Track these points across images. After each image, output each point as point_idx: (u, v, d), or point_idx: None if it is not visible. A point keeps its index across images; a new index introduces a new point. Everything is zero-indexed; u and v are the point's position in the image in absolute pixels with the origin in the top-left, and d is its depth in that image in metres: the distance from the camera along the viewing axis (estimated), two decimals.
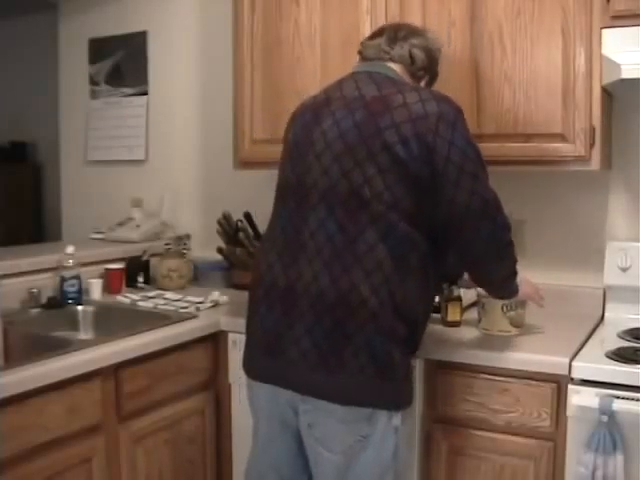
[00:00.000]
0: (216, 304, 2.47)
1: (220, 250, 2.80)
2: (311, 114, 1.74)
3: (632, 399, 1.71)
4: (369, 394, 1.60)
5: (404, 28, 1.86)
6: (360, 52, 1.86)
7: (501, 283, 1.88)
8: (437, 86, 2.21)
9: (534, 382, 1.88)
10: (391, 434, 1.65)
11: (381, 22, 2.28)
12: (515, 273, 1.86)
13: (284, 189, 1.76)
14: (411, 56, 1.79)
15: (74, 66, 3.36)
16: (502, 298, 1.98)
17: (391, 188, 1.59)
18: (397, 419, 1.65)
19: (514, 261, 1.84)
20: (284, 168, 1.78)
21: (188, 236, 2.94)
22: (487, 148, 2.18)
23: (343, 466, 1.64)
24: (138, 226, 2.98)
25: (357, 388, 1.59)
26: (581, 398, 1.76)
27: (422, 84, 1.85)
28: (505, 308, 2.07)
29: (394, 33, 1.82)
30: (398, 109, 1.61)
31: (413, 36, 1.82)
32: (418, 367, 2.01)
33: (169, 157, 3.14)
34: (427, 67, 1.84)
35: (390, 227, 1.60)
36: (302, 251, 1.64)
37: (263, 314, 1.71)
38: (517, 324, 2.09)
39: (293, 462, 1.76)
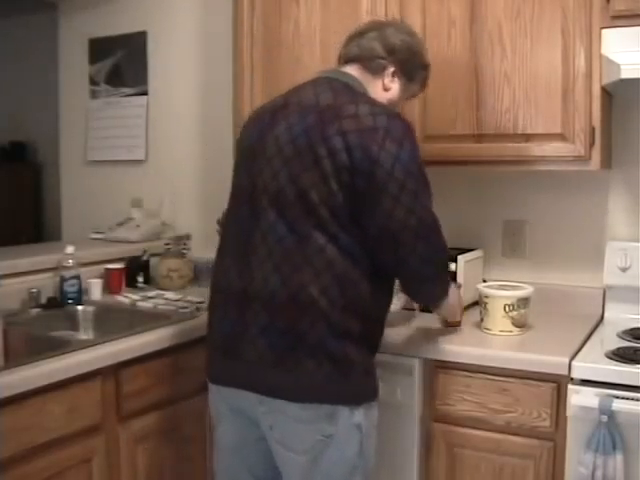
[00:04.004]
0: None
1: None
2: (269, 118, 1.74)
3: (632, 399, 1.71)
4: (327, 392, 1.61)
5: (368, 26, 1.86)
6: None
7: (428, 302, 1.97)
8: (438, 86, 2.23)
9: (534, 382, 1.88)
10: (354, 432, 1.64)
11: None
12: (446, 295, 1.87)
13: (238, 194, 1.76)
14: (363, 50, 1.78)
15: (74, 66, 3.35)
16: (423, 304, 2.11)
17: (334, 195, 1.59)
18: (359, 416, 1.64)
19: (447, 284, 1.86)
20: (238, 172, 1.79)
21: (188, 236, 2.93)
22: (487, 148, 2.20)
23: (307, 467, 1.65)
24: (138, 226, 2.97)
25: (314, 386, 1.61)
26: (581, 398, 1.76)
27: (389, 74, 1.79)
28: (508, 308, 2.07)
29: (355, 32, 1.83)
30: (347, 119, 1.61)
31: (370, 31, 1.81)
32: (418, 367, 2.01)
33: (169, 157, 3.13)
34: (386, 56, 1.78)
35: (335, 231, 1.60)
36: (254, 254, 1.65)
37: (220, 318, 1.74)
38: (519, 324, 2.09)
39: (266, 462, 1.76)
